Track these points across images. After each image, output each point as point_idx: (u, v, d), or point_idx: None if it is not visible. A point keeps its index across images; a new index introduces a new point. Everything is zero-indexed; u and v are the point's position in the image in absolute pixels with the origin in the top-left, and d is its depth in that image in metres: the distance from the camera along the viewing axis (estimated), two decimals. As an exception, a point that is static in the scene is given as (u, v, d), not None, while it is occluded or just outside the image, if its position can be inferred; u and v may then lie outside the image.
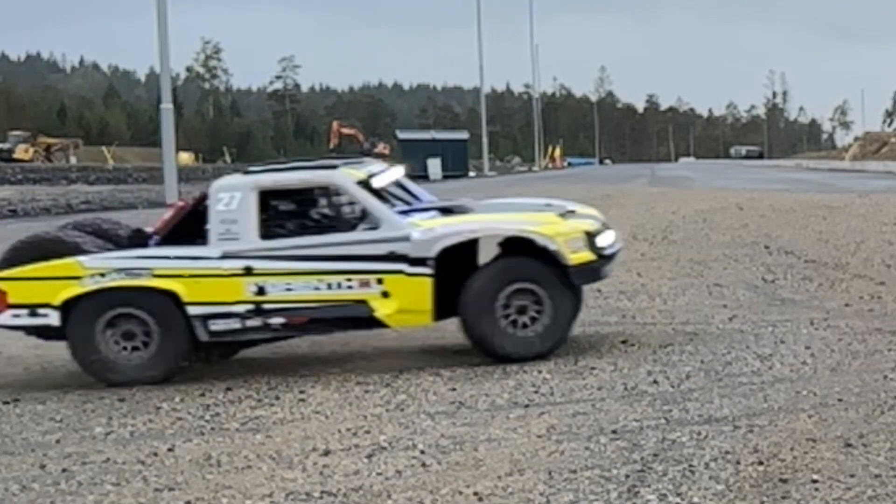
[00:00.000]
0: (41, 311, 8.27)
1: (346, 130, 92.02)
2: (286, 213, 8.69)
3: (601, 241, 8.59)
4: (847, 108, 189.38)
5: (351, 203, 8.65)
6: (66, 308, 8.25)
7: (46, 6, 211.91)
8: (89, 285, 8.24)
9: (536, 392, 7.41)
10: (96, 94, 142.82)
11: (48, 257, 8.41)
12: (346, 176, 8.65)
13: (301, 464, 5.94)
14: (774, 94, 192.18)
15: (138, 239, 8.79)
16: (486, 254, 8.64)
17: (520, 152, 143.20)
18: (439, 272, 8.32)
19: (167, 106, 33.90)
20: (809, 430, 6.20)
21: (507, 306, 8.32)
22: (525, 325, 8.35)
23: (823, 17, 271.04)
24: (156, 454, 6.28)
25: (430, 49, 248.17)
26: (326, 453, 6.11)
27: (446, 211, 9.01)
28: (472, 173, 71.40)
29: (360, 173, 8.76)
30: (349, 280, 8.30)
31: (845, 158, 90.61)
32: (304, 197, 8.76)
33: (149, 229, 8.88)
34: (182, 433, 6.78)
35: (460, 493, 5.33)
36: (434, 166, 64.06)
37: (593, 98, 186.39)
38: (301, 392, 7.71)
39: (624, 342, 8.96)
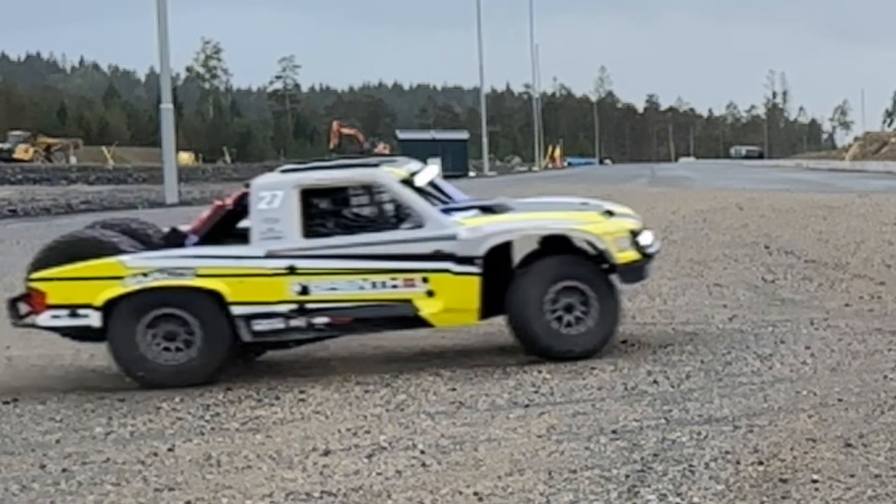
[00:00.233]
0: (82, 311, 8.14)
1: (346, 130, 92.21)
2: (328, 212, 8.60)
3: (643, 239, 8.59)
4: (847, 108, 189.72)
5: (392, 201, 8.57)
6: (108, 308, 8.14)
7: (46, 6, 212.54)
8: (132, 285, 8.11)
9: (536, 392, 7.41)
10: (96, 94, 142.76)
11: (84, 257, 8.25)
12: (388, 174, 8.59)
13: (301, 464, 5.94)
14: (774, 94, 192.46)
15: (175, 238, 8.65)
16: (519, 253, 8.64)
17: (520, 152, 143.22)
18: (485, 271, 8.29)
19: (167, 106, 33.97)
20: (809, 430, 6.20)
21: (554, 304, 8.28)
22: (569, 324, 8.30)
23: (823, 17, 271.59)
24: (156, 454, 6.28)
25: (430, 49, 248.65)
26: (326, 453, 6.11)
27: (486, 210, 8.93)
28: (471, 173, 71.38)
29: (402, 171, 8.73)
30: (394, 279, 8.23)
31: (845, 158, 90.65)
32: (346, 195, 8.70)
33: (184, 228, 8.78)
34: (182, 433, 6.78)
35: (460, 493, 5.33)
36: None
37: (593, 98, 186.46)
38: (301, 392, 7.71)
39: (624, 342, 8.95)
